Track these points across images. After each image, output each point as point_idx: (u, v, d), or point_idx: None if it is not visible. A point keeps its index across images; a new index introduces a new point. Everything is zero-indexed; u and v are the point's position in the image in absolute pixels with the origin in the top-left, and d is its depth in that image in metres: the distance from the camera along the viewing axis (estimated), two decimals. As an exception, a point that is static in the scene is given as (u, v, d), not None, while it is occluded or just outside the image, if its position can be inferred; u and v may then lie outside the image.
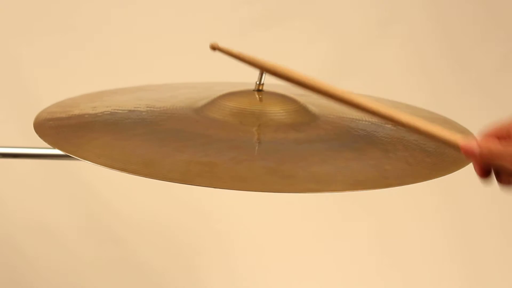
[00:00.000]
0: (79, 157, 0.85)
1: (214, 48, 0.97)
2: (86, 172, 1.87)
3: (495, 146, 0.81)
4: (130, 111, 1.00)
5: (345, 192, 0.81)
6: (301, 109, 0.99)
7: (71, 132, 0.94)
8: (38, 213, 1.87)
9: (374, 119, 1.01)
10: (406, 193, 1.96)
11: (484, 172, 0.83)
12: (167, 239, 1.90)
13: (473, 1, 2.00)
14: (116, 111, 1.00)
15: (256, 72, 1.00)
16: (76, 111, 1.01)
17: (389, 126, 0.99)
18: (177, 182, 0.80)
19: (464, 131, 1.06)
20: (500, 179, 0.83)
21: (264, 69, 0.96)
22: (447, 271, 1.96)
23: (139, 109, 1.01)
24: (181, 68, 1.90)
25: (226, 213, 1.95)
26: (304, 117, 0.98)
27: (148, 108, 1.01)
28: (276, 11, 1.96)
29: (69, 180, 1.87)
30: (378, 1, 1.98)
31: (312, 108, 1.01)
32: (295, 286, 1.93)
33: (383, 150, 0.92)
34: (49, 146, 0.92)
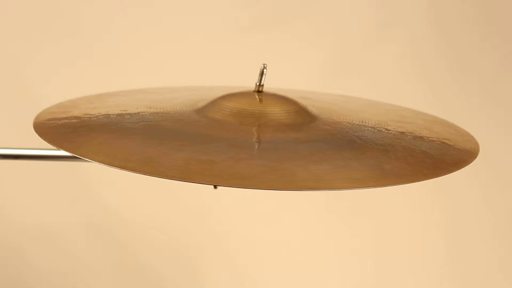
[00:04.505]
0: (78, 154, 0.85)
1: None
2: (86, 174, 1.87)
3: None
4: (130, 111, 1.00)
5: (344, 190, 0.81)
6: (301, 110, 0.99)
7: (71, 131, 0.94)
8: (38, 215, 1.87)
9: (375, 124, 1.01)
10: (404, 194, 1.96)
11: None
12: (167, 240, 1.90)
13: (472, 2, 2.00)
14: (116, 111, 1.00)
15: (255, 74, 1.01)
16: (76, 112, 1.01)
17: (390, 131, 0.99)
18: (176, 180, 0.80)
19: (464, 134, 1.06)
20: None
21: None
22: (444, 271, 1.96)
23: (139, 109, 1.01)
24: (181, 71, 1.90)
25: (226, 214, 1.95)
26: (304, 118, 0.98)
27: (148, 109, 1.01)
28: (276, 13, 1.96)
29: (69, 182, 1.87)
30: (378, 3, 1.98)
31: (312, 109, 1.01)
32: (296, 285, 1.93)
33: (382, 150, 0.92)
34: (49, 147, 0.93)
